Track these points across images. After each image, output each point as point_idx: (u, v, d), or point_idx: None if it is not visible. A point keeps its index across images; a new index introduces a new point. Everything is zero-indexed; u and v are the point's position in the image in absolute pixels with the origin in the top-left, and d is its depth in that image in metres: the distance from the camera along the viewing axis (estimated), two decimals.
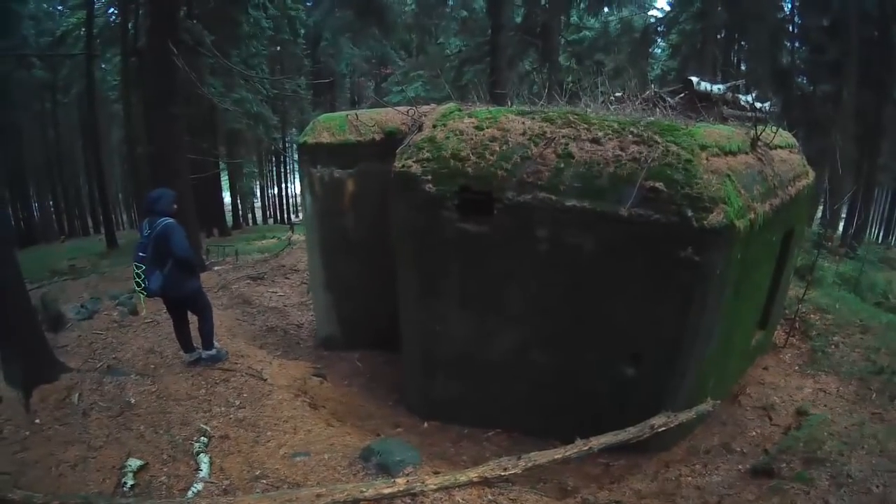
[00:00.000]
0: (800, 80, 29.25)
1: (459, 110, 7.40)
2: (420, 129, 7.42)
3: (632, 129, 6.59)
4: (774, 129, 8.80)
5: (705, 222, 5.89)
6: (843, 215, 31.94)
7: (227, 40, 23.40)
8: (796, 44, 29.42)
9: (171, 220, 7.05)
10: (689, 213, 5.92)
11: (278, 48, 28.49)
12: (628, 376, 6.78)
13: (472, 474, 5.52)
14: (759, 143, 7.81)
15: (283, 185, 42.06)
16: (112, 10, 30.01)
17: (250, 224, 35.64)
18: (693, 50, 27.07)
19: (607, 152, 6.38)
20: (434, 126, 7.18)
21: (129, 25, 25.14)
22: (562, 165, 6.39)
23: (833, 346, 10.16)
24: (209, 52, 19.40)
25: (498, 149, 6.63)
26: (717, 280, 6.25)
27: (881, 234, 48.61)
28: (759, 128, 7.97)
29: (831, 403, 8.19)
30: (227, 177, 33.08)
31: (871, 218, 40.55)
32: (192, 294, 7.47)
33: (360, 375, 8.92)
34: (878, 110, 27.20)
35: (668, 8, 31.20)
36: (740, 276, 6.78)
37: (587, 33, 28.01)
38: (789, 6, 29.14)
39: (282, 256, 14.81)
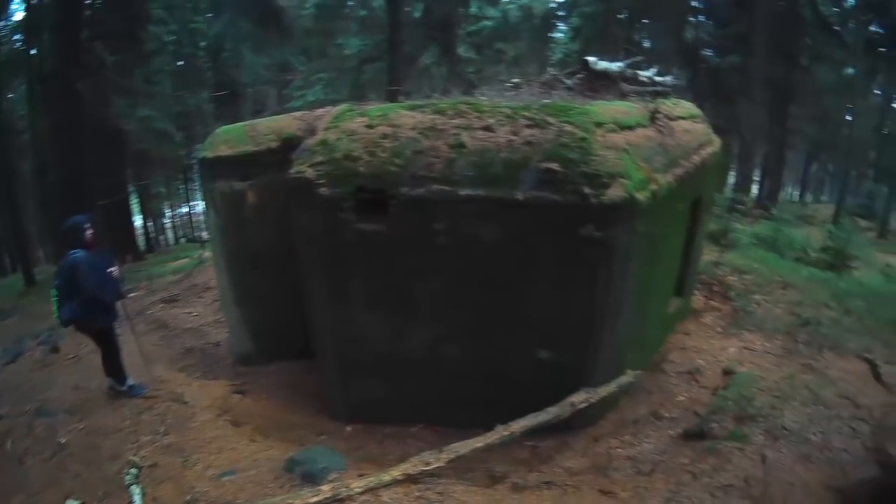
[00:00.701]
0: (707, 53, 29.92)
1: (351, 110, 7.24)
2: (314, 133, 7.25)
3: (524, 113, 6.52)
4: (674, 101, 8.89)
5: (604, 198, 5.87)
6: (757, 179, 32.92)
7: (130, 59, 22.80)
8: (700, 18, 30.03)
9: (79, 253, 6.83)
10: (588, 191, 5.89)
11: (181, 63, 27.90)
12: (544, 359, 6.74)
13: (396, 473, 5.49)
14: (660, 116, 7.83)
15: (192, 203, 41.33)
16: (17, 36, 29.04)
17: (163, 246, 34.89)
18: (596, 32, 27.30)
19: (500, 138, 6.31)
20: (327, 129, 7.00)
21: (34, 52, 24.35)
22: (454, 156, 6.29)
23: (755, 305, 10.39)
24: (111, 74, 18.88)
25: (389, 145, 6.49)
26: (622, 254, 6.25)
27: (798, 193, 50.27)
28: (659, 101, 8.03)
29: (758, 360, 8.34)
30: (137, 200, 32.32)
31: (786, 179, 41.97)
32: (100, 331, 7.31)
33: (280, 388, 8.69)
34: (786, 78, 28.05)
35: None
36: (648, 248, 6.81)
37: (487, 23, 28.05)
38: None
39: (194, 275, 14.42)
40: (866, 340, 8.58)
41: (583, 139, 6.13)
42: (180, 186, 39.89)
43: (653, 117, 7.68)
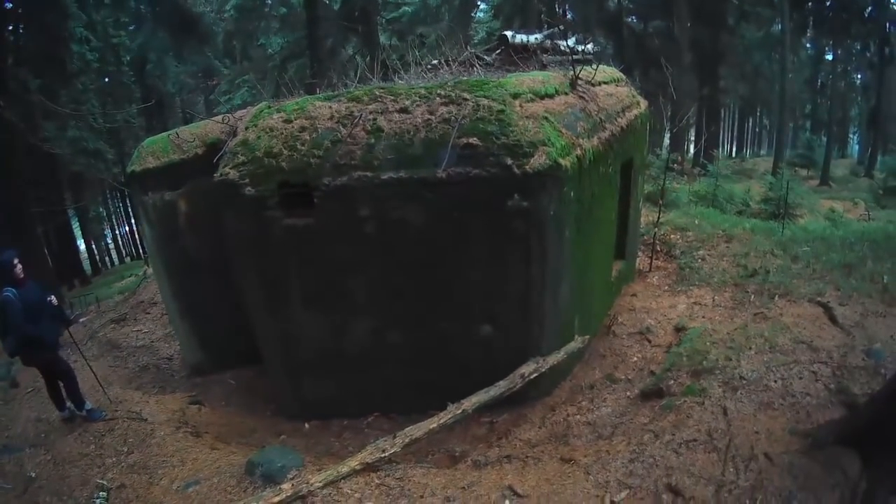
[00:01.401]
0: (630, 19, 30.15)
1: (269, 108, 7.16)
2: (235, 134, 7.18)
3: (440, 91, 6.53)
4: (595, 67, 8.95)
5: (527, 167, 5.91)
6: (692, 139, 33.44)
7: (55, 81, 22.25)
8: None
9: (8, 291, 6.62)
10: (509, 162, 5.92)
11: (106, 79, 27.27)
12: (487, 335, 6.77)
13: (354, 463, 5.49)
14: (580, 83, 7.88)
15: (132, 220, 40.52)
16: None
17: (109, 267, 34.23)
18: (516, 7, 27.19)
19: (417, 119, 6.31)
20: (246, 128, 6.93)
21: None
22: (372, 141, 6.27)
23: (700, 261, 10.54)
24: (37, 98, 18.43)
25: (308, 137, 6.44)
26: (552, 222, 6.29)
27: (734, 149, 51.12)
28: (578, 68, 8.06)
29: (709, 314, 8.43)
30: (77, 223, 31.63)
31: (721, 136, 42.65)
32: (45, 363, 7.16)
33: (235, 394, 8.68)
34: (713, 40, 28.43)
35: None
36: (580, 214, 6.86)
37: (406, 9, 27.79)
38: None
39: (139, 292, 14.20)
40: (817, 285, 8.63)
41: (500, 111, 6.15)
42: (118, 205, 39.07)
43: (573, 84, 7.72)
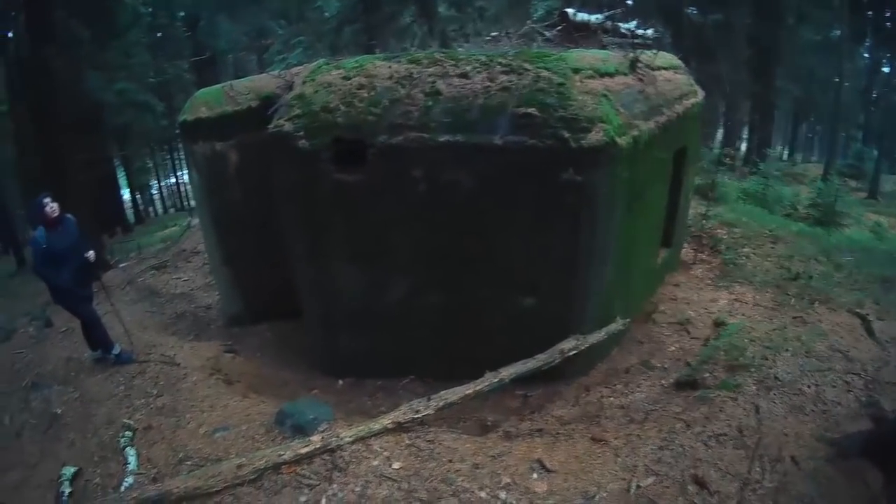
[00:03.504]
0: (690, 10, 29.67)
1: (327, 64, 7.17)
2: (291, 88, 7.19)
3: (500, 60, 6.48)
4: (655, 52, 8.84)
5: (584, 142, 5.87)
6: (745, 136, 32.88)
7: (105, 32, 22.46)
8: None
9: (38, 231, 6.76)
10: (567, 135, 5.88)
11: (158, 34, 27.47)
12: (529, 306, 6.75)
13: (386, 421, 5.50)
14: (640, 65, 7.77)
15: (179, 173, 40.85)
16: None
17: (152, 217, 34.66)
18: None
19: (476, 85, 6.28)
20: (304, 83, 6.96)
21: (10, 34, 24.03)
22: (430, 103, 6.26)
23: (744, 258, 10.40)
24: (87, 49, 18.65)
25: (366, 95, 6.45)
26: (604, 199, 6.25)
27: (786, 152, 50.21)
28: (638, 51, 7.97)
29: (749, 312, 8.34)
30: (123, 173, 32.03)
31: (774, 138, 41.94)
32: (68, 307, 7.33)
33: (271, 346, 8.76)
34: (771, 37, 27.87)
35: None
36: (631, 195, 6.80)
37: None
38: None
39: (182, 241, 14.39)
40: (857, 295, 8.56)
41: (560, 84, 6.10)
42: (166, 157, 39.45)
43: (633, 65, 7.61)
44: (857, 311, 8.02)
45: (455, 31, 10.19)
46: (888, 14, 28.92)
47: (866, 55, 39.44)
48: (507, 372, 6.13)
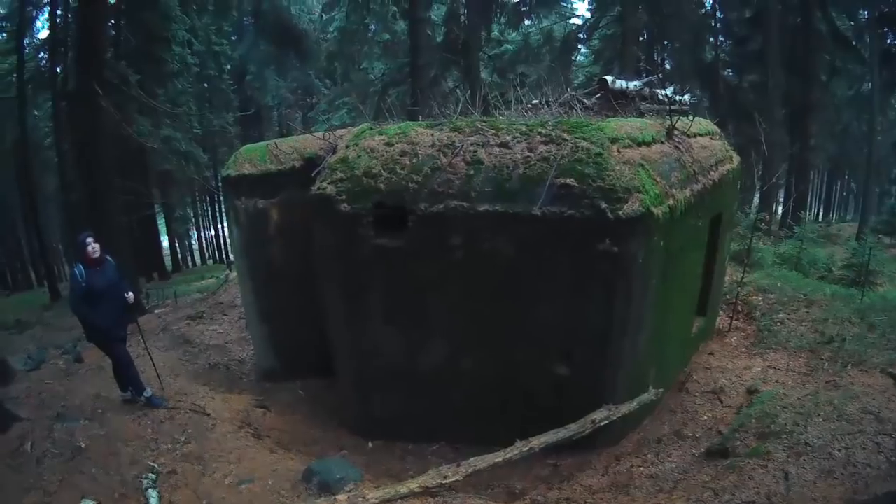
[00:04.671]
0: (726, 72, 29.89)
1: (371, 129, 7.38)
2: (335, 151, 7.40)
3: (540, 129, 6.63)
4: (691, 118, 8.93)
5: (620, 212, 5.94)
6: (781, 199, 32.68)
7: (153, 79, 23.14)
8: (720, 38, 30.04)
9: (77, 268, 6.98)
10: (604, 205, 5.96)
11: (205, 84, 28.21)
12: (562, 375, 6.76)
13: (413, 485, 5.52)
14: (677, 132, 7.88)
15: (219, 225, 41.45)
16: (42, 54, 29.65)
17: (190, 266, 35.13)
18: (615, 53, 27.37)
19: (516, 154, 6.42)
20: (347, 147, 7.18)
21: (59, 69, 24.82)
22: (471, 172, 6.41)
23: (779, 324, 10.28)
24: (134, 92, 19.25)
25: (408, 162, 6.63)
26: (639, 269, 6.29)
27: (820, 213, 49.80)
28: (675, 118, 8.06)
29: (782, 378, 8.26)
30: (163, 220, 32.65)
31: (809, 199, 41.60)
32: (102, 346, 7.49)
33: (303, 403, 8.81)
34: (805, 94, 27.93)
35: (588, 14, 31.45)
36: (666, 264, 6.82)
37: (508, 47, 28.18)
38: (710, 2, 29.66)
39: (219, 294, 14.66)
40: (890, 355, 8.40)
41: (598, 154, 6.21)
42: (206, 208, 40.12)
43: (669, 133, 7.72)
44: (890, 370, 7.88)
45: (498, 96, 10.34)
46: None
47: None
48: (538, 441, 6.14)
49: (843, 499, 5.20)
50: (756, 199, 25.79)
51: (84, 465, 6.21)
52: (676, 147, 7.60)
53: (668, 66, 29.25)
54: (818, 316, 10.32)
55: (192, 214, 38.81)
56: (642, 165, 6.43)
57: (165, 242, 32.56)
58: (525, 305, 6.62)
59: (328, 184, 6.80)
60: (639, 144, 6.85)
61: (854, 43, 28.40)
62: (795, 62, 26.99)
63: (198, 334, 11.91)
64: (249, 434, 7.40)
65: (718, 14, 29.79)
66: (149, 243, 25.24)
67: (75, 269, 6.96)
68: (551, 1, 27.20)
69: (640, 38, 28.10)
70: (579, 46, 31.14)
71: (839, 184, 53.14)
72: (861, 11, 27.66)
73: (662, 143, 7.42)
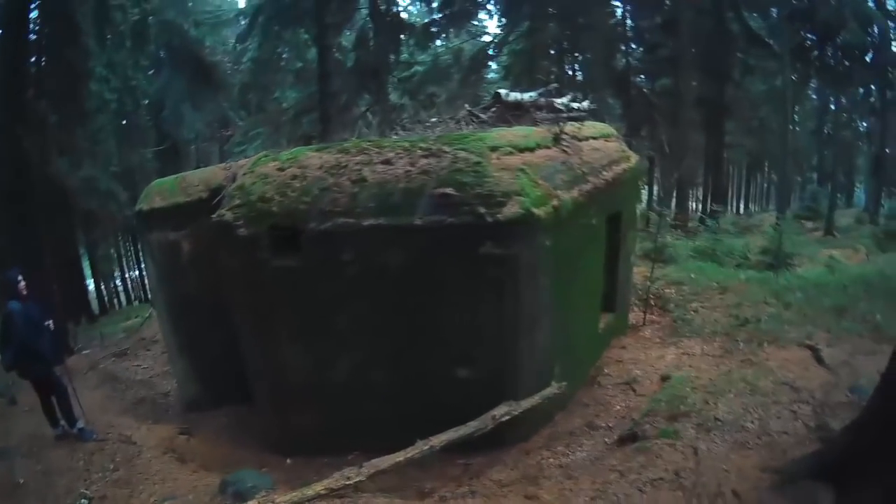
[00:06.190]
0: (639, 78, 30.57)
1: (266, 156, 7.63)
2: (234, 179, 7.63)
3: (421, 145, 6.95)
4: (588, 123, 9.30)
5: (500, 216, 6.24)
6: (700, 195, 33.65)
7: (72, 117, 22.74)
8: (631, 45, 30.69)
9: (14, 304, 7.32)
10: (483, 210, 6.26)
11: (124, 121, 27.86)
12: (466, 377, 6.98)
13: (319, 487, 5.65)
14: (564, 137, 8.20)
15: (143, 264, 40.37)
16: None
17: (117, 308, 34.37)
18: (524, 68, 28.00)
19: (398, 170, 6.71)
20: (244, 174, 7.41)
21: None
22: (356, 190, 6.68)
23: (692, 313, 10.65)
24: (55, 131, 19.01)
25: (299, 185, 6.89)
26: (527, 269, 6.59)
27: (741, 206, 51.13)
28: (563, 124, 8.40)
29: (696, 363, 8.54)
30: (88, 262, 31.91)
31: (730, 193, 42.80)
32: (41, 377, 7.68)
33: (227, 429, 8.89)
34: (719, 95, 28.84)
35: (498, 31, 31.70)
36: (558, 262, 7.11)
37: (418, 68, 28.50)
38: (620, 12, 30.31)
39: (142, 330, 14.64)
40: (807, 329, 8.78)
41: (476, 163, 6.52)
42: (129, 248, 39.23)
43: (556, 139, 8.05)
44: (807, 342, 8.23)
45: (407, 118, 10.63)
46: (830, 52, 29.79)
47: (814, 96, 40.62)
48: (438, 440, 6.27)
49: (759, 467, 5.36)
50: (674, 200, 26.48)
51: (24, 499, 6.53)
52: (563, 151, 7.91)
53: (579, 78, 29.79)
54: (733, 301, 10.72)
55: (115, 255, 37.99)
56: (522, 170, 6.71)
57: (91, 286, 31.83)
58: (423, 313, 6.86)
59: (227, 211, 7.02)
60: (521, 151, 7.14)
61: (768, 40, 29.35)
62: (709, 63, 27.80)
63: (124, 371, 11.93)
64: (174, 459, 7.57)
65: (629, 23, 30.39)
66: (75, 286, 24.67)
67: (12, 305, 7.28)
68: (461, 19, 27.63)
69: (551, 52, 28.58)
70: (489, 63, 31.50)
71: (759, 176, 54.69)
72: (772, 9, 28.58)
73: (549, 147, 7.73)
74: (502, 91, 9.95)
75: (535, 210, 6.42)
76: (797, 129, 36.49)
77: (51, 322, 7.80)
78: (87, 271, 31.32)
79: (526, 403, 6.95)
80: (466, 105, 10.28)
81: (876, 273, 11.42)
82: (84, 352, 14.65)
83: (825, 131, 39.21)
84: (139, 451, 7.51)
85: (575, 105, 11.18)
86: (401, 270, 6.69)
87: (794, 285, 11.18)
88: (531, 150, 7.35)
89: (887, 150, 35.25)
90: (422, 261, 6.61)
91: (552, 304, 7.19)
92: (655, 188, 34.17)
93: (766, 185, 57.18)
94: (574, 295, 7.91)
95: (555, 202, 6.82)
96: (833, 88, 33.75)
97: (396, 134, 8.95)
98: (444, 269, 6.61)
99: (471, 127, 8.94)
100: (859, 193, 51.52)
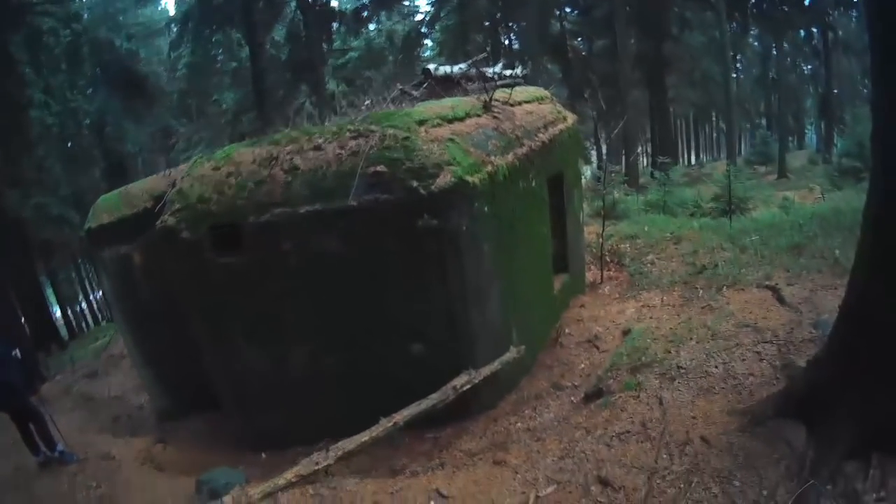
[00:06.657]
0: (577, 41, 30.74)
1: (202, 158, 7.66)
2: (174, 185, 7.66)
3: (349, 127, 7.01)
4: (521, 89, 9.41)
5: (433, 187, 6.33)
6: (650, 150, 34.00)
7: (17, 148, 22.45)
8: (566, 9, 30.78)
9: None
10: (416, 184, 6.35)
11: (68, 144, 27.48)
12: (419, 353, 7.06)
13: (289, 476, 5.78)
14: (497, 104, 8.35)
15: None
16: None
17: (85, 331, 34.03)
18: (460, 42, 28.24)
19: (329, 155, 6.78)
20: (182, 178, 7.45)
21: None
22: (290, 179, 6.75)
23: (649, 265, 10.87)
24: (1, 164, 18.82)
25: (234, 181, 6.95)
26: (465, 238, 6.66)
27: (692, 157, 51.61)
28: (492, 91, 8.49)
29: (657, 315, 8.68)
30: (51, 290, 31.58)
31: (680, 146, 43.26)
32: (16, 407, 7.69)
33: (202, 435, 8.92)
34: (657, 51, 29.09)
35: (430, 8, 31.93)
36: (500, 228, 7.24)
37: (353, 54, 28.51)
38: None
39: (110, 348, 14.64)
40: (765, 270, 8.87)
41: (405, 138, 6.60)
42: (90, 270, 38.86)
43: (486, 106, 8.18)
44: (766, 283, 8.30)
45: (345, 104, 10.66)
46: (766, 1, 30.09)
47: (755, 43, 41.10)
48: (401, 415, 6.37)
49: (726, 411, 5.42)
50: (623, 158, 26.72)
51: None
52: (495, 117, 8.03)
53: (516, 47, 29.85)
54: (688, 250, 10.93)
55: (77, 279, 37.62)
56: (452, 140, 6.81)
57: (58, 313, 31.53)
58: (371, 295, 6.92)
59: (169, 216, 7.07)
60: (450, 121, 7.24)
61: None
62: (646, 20, 27.99)
63: (97, 390, 12.00)
64: (153, 468, 7.73)
65: None
66: (41, 316, 24.45)
67: None
68: (391, 2, 27.50)
69: (485, 24, 28.63)
70: (423, 42, 31.47)
71: (707, 127, 55.22)
72: None
73: (479, 116, 7.84)
74: (431, 66, 10.01)
75: (469, 178, 6.51)
76: (741, 76, 36.84)
77: (17, 351, 7.76)
78: (53, 298, 31.05)
79: (485, 371, 7.05)
80: (399, 84, 10.32)
81: (831, 210, 11.55)
82: (57, 377, 14.63)
83: (770, 77, 39.78)
84: (119, 465, 7.64)
85: (507, 73, 11.27)
86: (342, 254, 6.75)
87: (748, 228, 11.36)
88: (461, 119, 7.45)
89: (835, 91, 35.90)
90: (360, 241, 6.67)
91: (499, 270, 7.29)
92: (604, 148, 34.46)
93: (715, 134, 57.73)
94: (522, 259, 8.00)
95: (489, 168, 6.93)
96: (773, 35, 34.14)
97: (330, 121, 8.99)
98: (383, 247, 6.67)
99: (403, 105, 9.01)
100: (810, 135, 52.38)
